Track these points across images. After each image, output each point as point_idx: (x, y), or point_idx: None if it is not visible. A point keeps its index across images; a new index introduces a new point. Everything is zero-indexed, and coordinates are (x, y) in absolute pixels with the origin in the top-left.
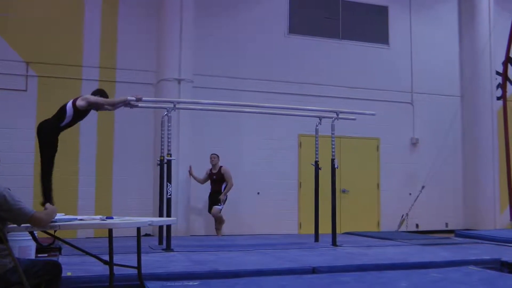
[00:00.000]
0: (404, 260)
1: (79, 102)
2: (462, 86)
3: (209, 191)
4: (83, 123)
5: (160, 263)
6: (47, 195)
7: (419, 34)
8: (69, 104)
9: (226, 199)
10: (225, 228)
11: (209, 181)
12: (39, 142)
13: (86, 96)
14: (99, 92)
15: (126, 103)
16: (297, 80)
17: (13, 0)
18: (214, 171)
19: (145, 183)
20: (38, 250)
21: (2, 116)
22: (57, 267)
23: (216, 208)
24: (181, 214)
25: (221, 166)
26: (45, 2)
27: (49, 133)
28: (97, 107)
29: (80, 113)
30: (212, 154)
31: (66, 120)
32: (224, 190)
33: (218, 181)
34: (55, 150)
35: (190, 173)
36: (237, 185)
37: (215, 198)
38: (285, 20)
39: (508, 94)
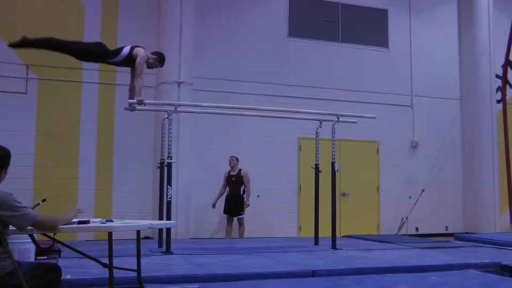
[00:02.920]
0: (404, 263)
1: (137, 51)
2: (461, 89)
3: (227, 192)
4: (83, 126)
5: (159, 266)
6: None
7: (419, 37)
8: (127, 48)
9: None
10: (224, 231)
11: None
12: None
13: (143, 54)
14: (160, 57)
15: (131, 101)
16: (296, 83)
17: (13, 2)
18: (233, 173)
19: (145, 186)
20: (38, 253)
21: (2, 119)
22: (57, 270)
23: (240, 218)
24: (181, 217)
25: (240, 169)
26: (45, 4)
27: (97, 52)
28: (137, 65)
29: (130, 60)
30: (231, 156)
31: (116, 60)
32: (243, 194)
33: (237, 183)
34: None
35: (214, 205)
36: None
37: (234, 202)
38: (285, 23)
39: (507, 97)
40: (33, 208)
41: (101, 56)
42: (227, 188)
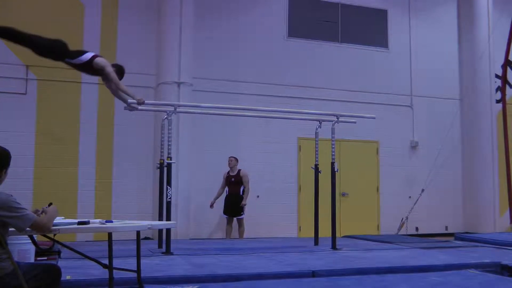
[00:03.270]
0: (404, 263)
1: (99, 61)
2: (461, 89)
3: (226, 193)
4: (83, 127)
5: (159, 266)
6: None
7: (418, 38)
8: (89, 54)
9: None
10: (224, 232)
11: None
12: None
13: (107, 63)
14: (119, 69)
15: (131, 101)
16: (296, 83)
17: (13, 3)
18: (232, 174)
19: (144, 186)
20: (37, 254)
21: (2, 119)
22: (56, 270)
23: (240, 219)
24: (181, 218)
25: (239, 169)
26: (45, 5)
27: (55, 48)
28: (105, 77)
29: (88, 67)
30: (230, 156)
31: (74, 62)
32: (243, 195)
33: (236, 184)
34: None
35: (212, 205)
36: None
37: (234, 203)
38: (285, 23)
39: (507, 97)
40: (42, 211)
41: (59, 54)
42: (227, 189)
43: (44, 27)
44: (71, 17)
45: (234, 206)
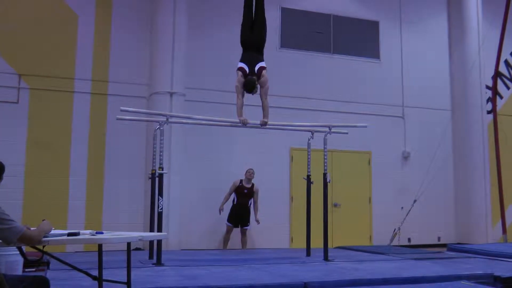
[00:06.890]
0: (396, 274)
1: (266, 76)
2: (452, 100)
3: (234, 202)
4: (74, 136)
5: (150, 278)
6: None
7: (410, 49)
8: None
9: None
10: (216, 242)
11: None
12: None
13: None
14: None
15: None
16: (288, 94)
17: (6, 12)
18: (247, 185)
19: (136, 196)
20: (26, 265)
21: None
22: (45, 282)
23: (246, 229)
24: (172, 228)
25: (253, 183)
26: (38, 15)
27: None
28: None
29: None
30: (250, 169)
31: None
32: (249, 206)
33: (248, 196)
34: None
35: (221, 211)
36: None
37: (242, 213)
38: (277, 34)
39: (498, 107)
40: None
41: (253, 40)
42: (235, 198)
43: (38, 37)
44: (65, 26)
45: (241, 217)
